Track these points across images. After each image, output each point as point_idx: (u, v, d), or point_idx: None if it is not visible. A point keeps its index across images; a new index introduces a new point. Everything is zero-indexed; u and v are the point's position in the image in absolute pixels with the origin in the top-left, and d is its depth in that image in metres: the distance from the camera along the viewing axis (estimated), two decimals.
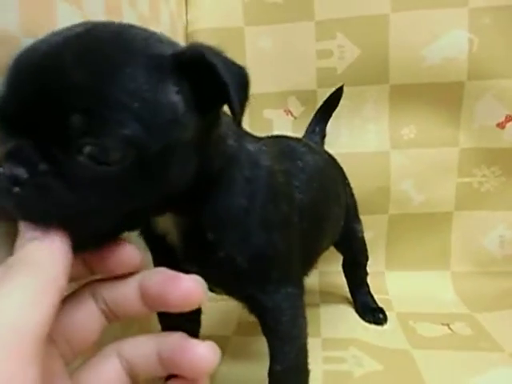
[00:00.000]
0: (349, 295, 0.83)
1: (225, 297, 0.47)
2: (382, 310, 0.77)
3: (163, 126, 0.27)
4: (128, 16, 0.58)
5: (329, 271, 0.91)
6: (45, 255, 0.23)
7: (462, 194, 0.90)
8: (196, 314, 0.54)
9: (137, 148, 0.26)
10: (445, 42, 0.81)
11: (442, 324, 0.74)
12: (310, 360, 0.53)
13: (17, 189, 0.25)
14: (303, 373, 0.48)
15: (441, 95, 0.84)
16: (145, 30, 0.31)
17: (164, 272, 0.27)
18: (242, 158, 0.40)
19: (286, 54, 0.85)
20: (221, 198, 0.38)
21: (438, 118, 0.86)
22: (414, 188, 0.89)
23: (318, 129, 0.81)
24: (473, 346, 0.67)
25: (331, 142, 0.84)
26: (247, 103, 0.30)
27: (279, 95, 0.89)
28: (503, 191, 0.89)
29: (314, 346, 0.62)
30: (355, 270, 0.81)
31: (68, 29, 0.28)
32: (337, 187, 0.67)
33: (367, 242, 0.80)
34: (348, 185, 0.76)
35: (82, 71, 0.25)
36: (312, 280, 0.89)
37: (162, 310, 0.26)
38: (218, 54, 0.30)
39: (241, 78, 0.30)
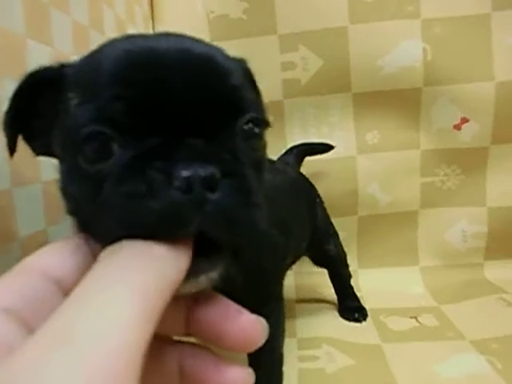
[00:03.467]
0: (323, 295, 0.87)
1: None
2: (361, 308, 0.82)
3: None
4: (95, 39, 0.61)
5: (304, 272, 0.95)
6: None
7: (425, 193, 0.95)
8: None
9: None
10: (400, 51, 0.86)
11: (411, 317, 0.79)
12: (286, 360, 0.57)
13: (216, 195, 0.21)
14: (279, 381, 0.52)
15: (400, 101, 0.89)
16: None
17: (222, 301, 0.24)
18: None
19: (252, 67, 0.89)
20: None
21: (399, 122, 0.91)
22: (380, 190, 0.94)
23: (295, 150, 0.86)
24: (438, 336, 0.71)
25: None
26: None
27: None
28: (464, 188, 0.94)
29: (290, 346, 0.66)
30: (338, 279, 0.85)
31: (159, 35, 0.28)
32: (299, 208, 0.68)
33: None
34: (318, 205, 0.79)
35: (236, 76, 0.26)
36: (288, 281, 0.92)
37: (213, 345, 0.23)
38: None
39: None
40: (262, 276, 0.44)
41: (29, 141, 0.31)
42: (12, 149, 0.29)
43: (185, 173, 0.21)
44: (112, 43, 0.27)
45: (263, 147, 0.28)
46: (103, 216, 0.23)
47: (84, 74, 0.26)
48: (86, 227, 0.25)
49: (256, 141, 0.27)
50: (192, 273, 0.22)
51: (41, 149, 0.31)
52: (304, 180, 0.79)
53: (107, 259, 0.19)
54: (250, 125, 0.26)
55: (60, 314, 0.16)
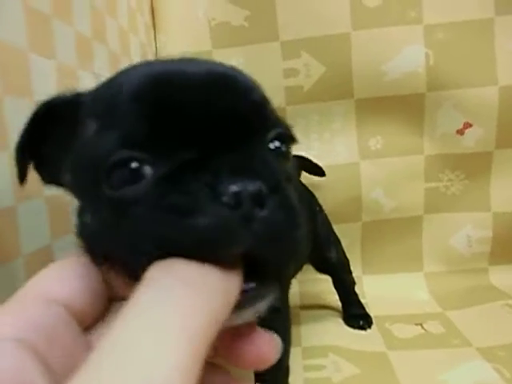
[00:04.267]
0: (328, 301, 0.87)
1: None
2: (366, 316, 0.81)
3: None
4: (98, 51, 0.61)
5: (308, 279, 0.95)
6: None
7: (430, 199, 0.95)
8: None
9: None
10: (403, 57, 0.86)
11: (416, 324, 0.79)
12: (291, 369, 0.56)
13: (263, 211, 0.19)
14: None
15: (403, 107, 0.89)
16: None
17: None
18: None
19: (254, 74, 0.89)
20: None
21: (402, 128, 0.91)
22: (384, 195, 0.94)
23: (295, 161, 0.86)
24: (444, 344, 0.71)
25: None
26: None
27: None
28: (468, 193, 0.94)
29: (295, 355, 0.66)
30: (341, 286, 0.85)
31: (181, 60, 0.27)
32: None
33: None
34: (318, 213, 0.80)
35: (259, 92, 0.25)
36: (292, 288, 0.92)
37: (225, 361, 0.22)
38: None
39: None
40: None
41: (39, 169, 0.30)
42: (22, 177, 0.28)
43: (233, 187, 0.19)
44: (130, 70, 0.26)
45: (291, 166, 0.27)
46: (132, 238, 0.20)
47: (103, 100, 0.25)
48: (109, 258, 0.23)
49: (284, 159, 0.25)
50: (237, 304, 0.19)
51: (50, 177, 0.30)
52: (303, 189, 0.80)
53: (152, 287, 0.17)
54: (277, 143, 0.24)
55: (99, 356, 0.15)
